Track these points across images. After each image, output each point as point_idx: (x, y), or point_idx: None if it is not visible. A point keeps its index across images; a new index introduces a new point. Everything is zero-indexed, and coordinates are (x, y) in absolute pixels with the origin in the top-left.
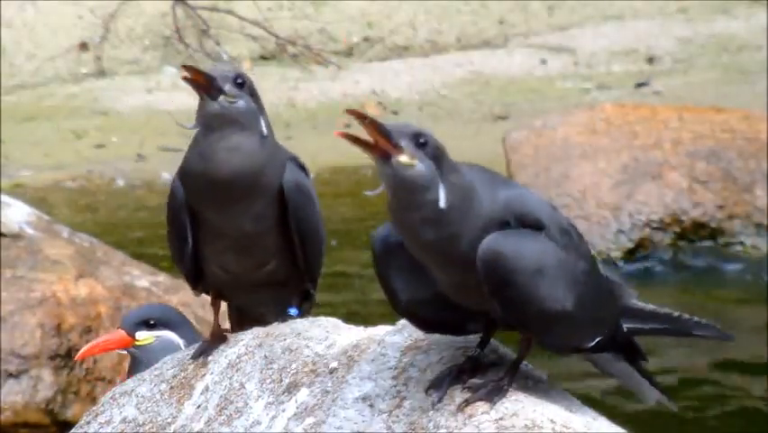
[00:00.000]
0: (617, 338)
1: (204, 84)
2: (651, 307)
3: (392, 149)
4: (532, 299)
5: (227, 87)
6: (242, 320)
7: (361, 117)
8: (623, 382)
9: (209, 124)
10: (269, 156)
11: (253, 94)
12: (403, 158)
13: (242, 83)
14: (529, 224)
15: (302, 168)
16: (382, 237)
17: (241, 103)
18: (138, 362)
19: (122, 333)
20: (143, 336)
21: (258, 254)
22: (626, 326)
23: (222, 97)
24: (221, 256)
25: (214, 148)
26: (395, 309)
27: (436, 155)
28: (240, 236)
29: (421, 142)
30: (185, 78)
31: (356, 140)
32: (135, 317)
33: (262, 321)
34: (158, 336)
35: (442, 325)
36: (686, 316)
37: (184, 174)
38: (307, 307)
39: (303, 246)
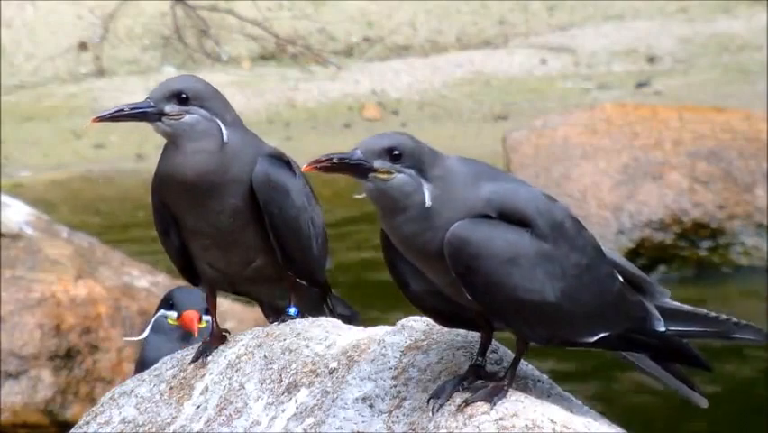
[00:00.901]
0: (636, 337)
1: (134, 115)
2: (687, 307)
3: (365, 173)
4: (500, 286)
5: (168, 108)
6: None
7: (323, 165)
8: (667, 383)
9: (166, 140)
10: (234, 154)
11: (205, 102)
12: (379, 174)
13: (185, 98)
14: (512, 218)
15: (284, 162)
16: None
17: (187, 118)
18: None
19: (196, 314)
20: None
21: (241, 251)
22: (665, 327)
23: (164, 119)
24: (206, 253)
25: (172, 158)
26: (407, 298)
27: (415, 162)
28: (218, 234)
29: (395, 155)
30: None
31: (328, 169)
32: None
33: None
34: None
35: (453, 318)
36: (724, 317)
37: (155, 181)
38: (343, 311)
39: (280, 241)
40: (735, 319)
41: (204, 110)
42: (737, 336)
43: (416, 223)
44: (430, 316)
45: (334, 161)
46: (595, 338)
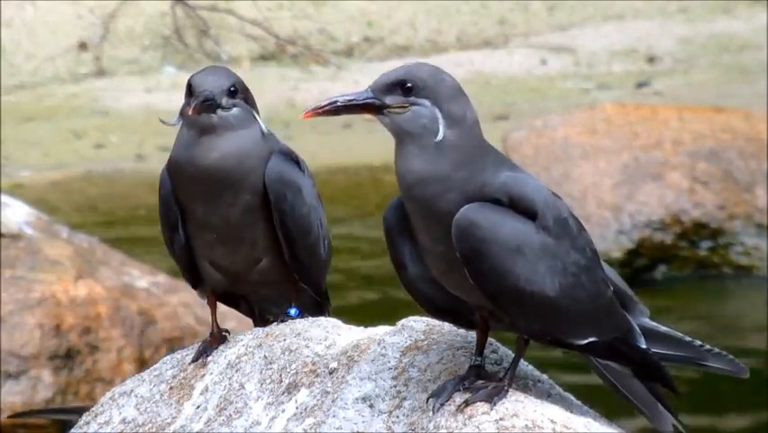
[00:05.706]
0: (622, 348)
1: (206, 108)
2: (663, 329)
3: (379, 110)
4: (504, 274)
5: (224, 101)
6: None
7: (326, 109)
8: (634, 402)
9: (204, 129)
10: (255, 146)
11: (246, 94)
12: (393, 110)
13: (234, 90)
14: (521, 207)
15: (294, 161)
16: (394, 207)
17: (235, 111)
18: None
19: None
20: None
21: (247, 249)
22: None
23: (218, 110)
24: (210, 251)
25: (203, 141)
26: (402, 283)
27: (431, 93)
28: (226, 228)
29: (408, 87)
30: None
31: (333, 112)
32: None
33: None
34: None
35: (445, 309)
36: (699, 342)
37: (172, 165)
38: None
39: (289, 240)
40: (709, 347)
41: (246, 103)
42: (711, 364)
43: (429, 162)
44: (422, 304)
45: (339, 103)
46: (585, 342)
